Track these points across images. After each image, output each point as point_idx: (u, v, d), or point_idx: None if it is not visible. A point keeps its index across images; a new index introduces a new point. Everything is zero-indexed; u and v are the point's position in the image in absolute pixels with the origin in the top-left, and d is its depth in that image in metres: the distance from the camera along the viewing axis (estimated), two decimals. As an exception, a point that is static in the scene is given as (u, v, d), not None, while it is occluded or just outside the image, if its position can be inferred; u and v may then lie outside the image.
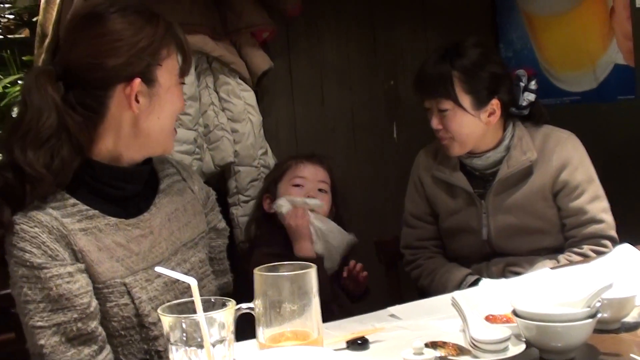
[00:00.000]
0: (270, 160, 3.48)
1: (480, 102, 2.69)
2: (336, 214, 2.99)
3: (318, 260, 2.64)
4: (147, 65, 1.93)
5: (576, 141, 2.79)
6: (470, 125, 2.70)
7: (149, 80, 1.94)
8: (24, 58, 3.47)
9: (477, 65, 2.69)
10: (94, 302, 1.87)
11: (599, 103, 3.85)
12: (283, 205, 2.83)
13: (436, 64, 2.73)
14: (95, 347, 1.86)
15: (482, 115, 2.70)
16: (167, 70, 1.98)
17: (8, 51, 3.49)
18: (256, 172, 3.39)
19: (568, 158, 2.73)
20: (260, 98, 3.57)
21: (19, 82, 3.40)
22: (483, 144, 2.77)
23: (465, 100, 2.68)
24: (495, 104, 2.70)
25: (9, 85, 3.40)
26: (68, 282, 1.82)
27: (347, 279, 2.85)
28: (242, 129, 3.35)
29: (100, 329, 1.88)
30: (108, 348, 1.90)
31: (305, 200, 2.85)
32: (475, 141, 2.75)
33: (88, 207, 1.91)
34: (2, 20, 3.81)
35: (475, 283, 2.62)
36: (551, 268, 2.45)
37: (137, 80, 1.91)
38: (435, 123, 2.74)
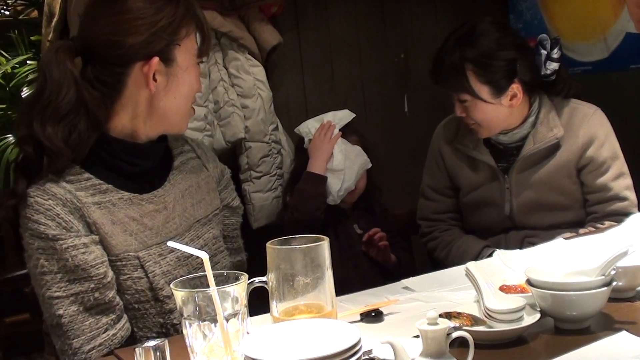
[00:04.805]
0: (281, 136, 3.48)
1: (499, 90, 2.63)
2: (368, 181, 3.13)
3: (322, 179, 2.94)
4: (166, 45, 1.94)
5: (602, 116, 2.75)
6: (493, 112, 2.66)
7: (167, 59, 1.95)
8: (32, 38, 3.48)
9: (491, 56, 2.61)
10: (110, 273, 1.88)
11: (610, 72, 3.82)
12: (311, 130, 3.08)
13: (449, 55, 2.65)
14: (113, 316, 1.88)
15: (503, 100, 2.64)
16: (185, 50, 1.99)
17: (16, 31, 3.49)
18: (267, 147, 3.38)
19: (594, 134, 2.69)
20: (270, 73, 3.55)
21: (28, 62, 3.40)
22: (510, 123, 2.72)
23: (483, 90, 2.63)
24: (515, 87, 2.64)
25: (17, 65, 3.40)
26: (83, 253, 1.83)
27: (367, 245, 2.98)
28: (252, 105, 3.34)
29: (117, 298, 1.90)
30: (125, 317, 1.92)
31: (336, 114, 3.09)
32: (502, 123, 2.71)
33: (102, 182, 1.93)
34: (10, 1, 3.81)
35: (491, 256, 2.60)
36: (566, 238, 2.44)
37: (156, 59, 1.92)
38: (458, 111, 2.71)
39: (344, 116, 3.13)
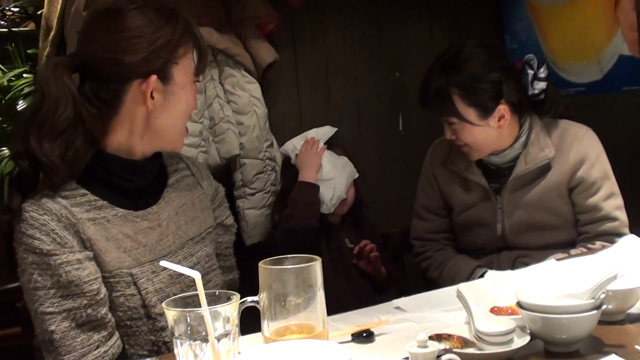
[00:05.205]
0: (276, 153, 3.48)
1: (486, 112, 2.64)
2: (356, 195, 3.22)
3: (315, 187, 3.04)
4: (164, 63, 1.95)
5: (593, 137, 2.75)
6: (482, 133, 2.67)
7: (165, 77, 1.96)
8: (28, 51, 3.47)
9: (476, 79, 2.63)
10: (103, 289, 1.88)
11: (603, 94, 3.83)
12: (296, 147, 3.23)
13: (434, 80, 2.67)
14: (105, 333, 1.87)
15: (491, 122, 2.65)
16: (183, 69, 2.00)
17: (13, 44, 3.49)
18: (262, 164, 3.39)
19: (585, 154, 2.69)
20: (266, 90, 3.56)
21: (24, 75, 3.40)
22: (501, 144, 2.73)
23: (470, 113, 2.64)
24: (502, 108, 2.64)
25: (14, 78, 3.40)
26: (77, 269, 1.83)
27: (358, 257, 3.05)
28: (247, 122, 3.35)
29: (109, 315, 1.89)
30: (117, 334, 1.92)
31: (319, 130, 3.26)
32: (492, 145, 2.72)
33: (97, 198, 1.93)
34: (7, 13, 3.81)
35: (483, 276, 2.61)
36: (557, 259, 2.44)
37: (154, 77, 1.93)
38: (448, 134, 2.73)
39: (326, 132, 3.27)
